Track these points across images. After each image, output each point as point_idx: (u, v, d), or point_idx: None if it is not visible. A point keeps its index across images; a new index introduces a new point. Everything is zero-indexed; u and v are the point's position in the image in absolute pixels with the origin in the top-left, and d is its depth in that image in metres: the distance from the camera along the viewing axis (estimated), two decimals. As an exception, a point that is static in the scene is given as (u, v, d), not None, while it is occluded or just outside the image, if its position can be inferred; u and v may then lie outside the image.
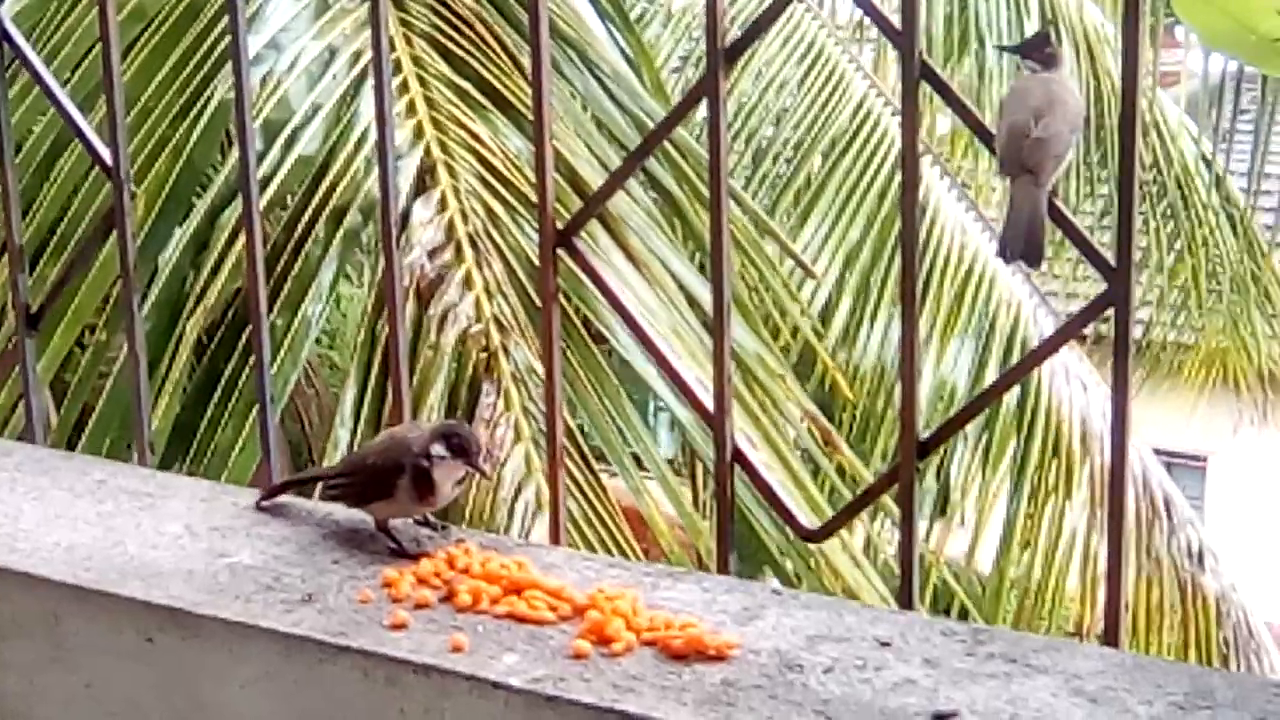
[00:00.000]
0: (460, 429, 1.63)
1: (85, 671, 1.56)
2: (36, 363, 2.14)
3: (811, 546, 3.25)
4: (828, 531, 1.83)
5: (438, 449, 1.58)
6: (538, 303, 2.97)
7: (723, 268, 1.64)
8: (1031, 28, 6.55)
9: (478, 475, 1.63)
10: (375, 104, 1.81)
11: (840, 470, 4.07)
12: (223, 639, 1.48)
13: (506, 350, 3.27)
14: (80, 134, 1.97)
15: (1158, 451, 6.42)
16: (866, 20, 6.68)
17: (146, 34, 3.44)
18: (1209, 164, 6.88)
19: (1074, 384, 5.89)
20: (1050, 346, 1.74)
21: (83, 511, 1.73)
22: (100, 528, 1.69)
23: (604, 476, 3.35)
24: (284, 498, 1.73)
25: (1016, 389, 5.55)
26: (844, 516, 1.85)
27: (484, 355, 3.27)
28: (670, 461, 4.10)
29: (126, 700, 1.54)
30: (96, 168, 3.12)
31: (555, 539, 1.75)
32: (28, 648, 1.59)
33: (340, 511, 1.66)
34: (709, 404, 1.68)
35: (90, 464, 1.91)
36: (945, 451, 5.61)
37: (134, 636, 1.52)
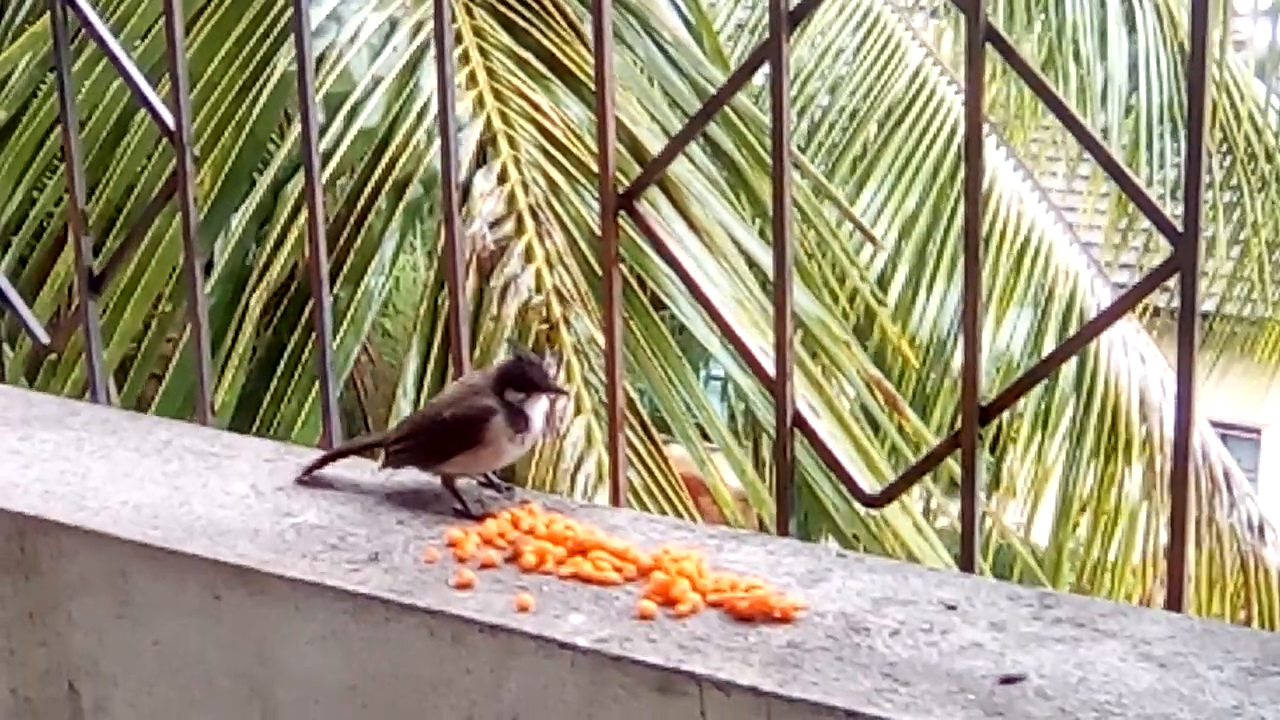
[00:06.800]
0: (523, 364, 1.63)
1: (152, 629, 1.57)
2: (103, 334, 2.16)
3: (874, 511, 3.24)
4: (888, 497, 1.82)
5: (515, 394, 1.59)
6: (599, 272, 2.96)
7: (785, 230, 1.63)
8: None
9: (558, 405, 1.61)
10: (437, 77, 1.80)
11: (900, 431, 4.04)
12: (289, 597, 1.49)
13: (568, 322, 3.26)
14: (142, 97, 1.98)
15: (1213, 423, 6.35)
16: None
17: (210, 7, 3.45)
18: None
19: (1132, 355, 5.84)
20: (1116, 312, 1.72)
21: (149, 471, 1.75)
22: (167, 487, 1.70)
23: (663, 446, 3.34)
24: (348, 460, 1.73)
25: (1074, 360, 5.51)
26: (904, 483, 1.84)
27: (545, 327, 3.26)
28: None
29: (193, 657, 1.55)
30: (162, 143, 3.16)
31: (615, 501, 1.75)
32: (95, 605, 1.61)
33: (404, 472, 1.66)
34: (771, 370, 1.67)
35: (156, 424, 1.93)
36: (1000, 423, 5.57)
37: (201, 594, 1.53)
